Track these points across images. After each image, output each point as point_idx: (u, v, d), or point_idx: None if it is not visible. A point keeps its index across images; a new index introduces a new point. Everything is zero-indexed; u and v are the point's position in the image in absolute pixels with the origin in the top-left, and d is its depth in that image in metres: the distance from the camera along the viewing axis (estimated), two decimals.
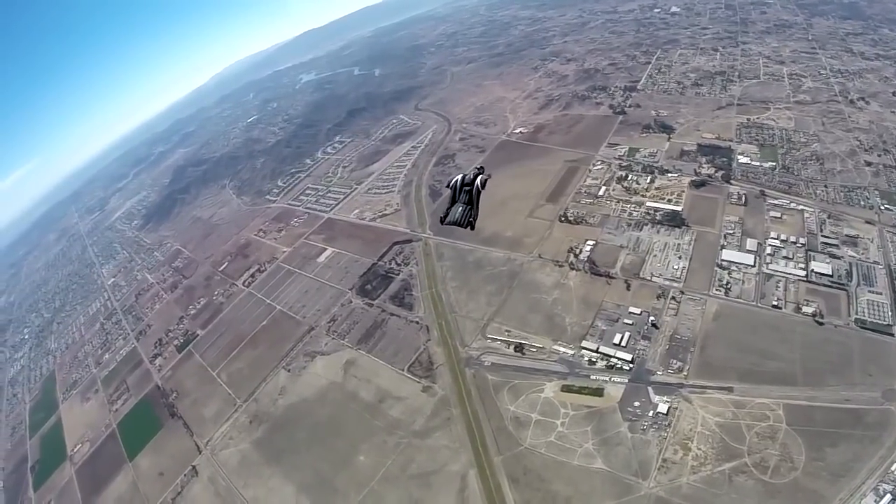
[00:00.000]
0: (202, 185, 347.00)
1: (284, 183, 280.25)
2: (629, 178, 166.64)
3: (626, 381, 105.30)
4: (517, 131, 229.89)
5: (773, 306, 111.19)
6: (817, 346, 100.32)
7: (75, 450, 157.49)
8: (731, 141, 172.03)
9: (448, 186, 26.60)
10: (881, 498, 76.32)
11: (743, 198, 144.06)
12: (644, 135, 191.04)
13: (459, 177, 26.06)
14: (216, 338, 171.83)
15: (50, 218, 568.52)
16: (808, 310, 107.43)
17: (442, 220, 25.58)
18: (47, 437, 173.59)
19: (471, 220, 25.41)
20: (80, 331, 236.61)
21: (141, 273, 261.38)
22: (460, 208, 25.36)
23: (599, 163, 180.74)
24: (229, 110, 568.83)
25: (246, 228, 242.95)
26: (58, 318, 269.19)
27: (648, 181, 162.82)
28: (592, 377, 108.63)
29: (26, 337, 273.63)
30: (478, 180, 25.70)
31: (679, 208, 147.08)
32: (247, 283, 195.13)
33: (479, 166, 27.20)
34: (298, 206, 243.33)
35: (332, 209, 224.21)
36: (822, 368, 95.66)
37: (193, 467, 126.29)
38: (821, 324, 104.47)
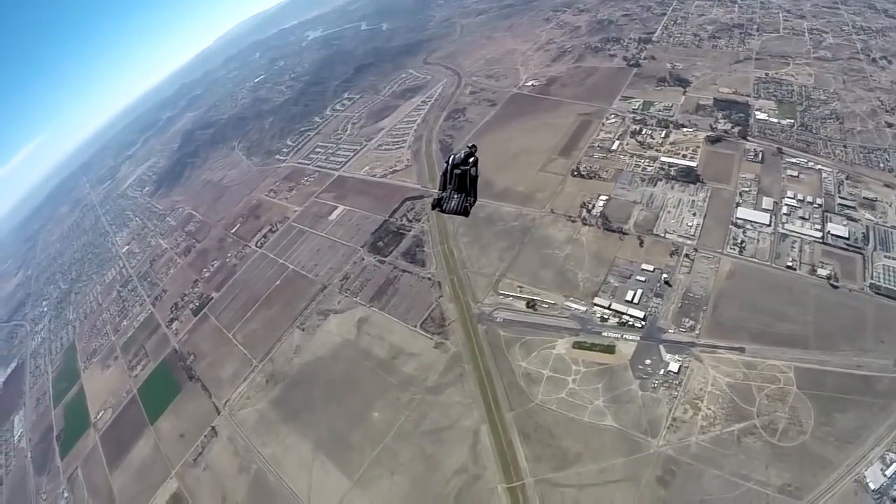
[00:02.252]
0: (211, 148, 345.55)
1: (294, 142, 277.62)
2: (643, 133, 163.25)
3: (638, 338, 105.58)
4: (529, 84, 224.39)
5: (788, 267, 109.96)
6: (831, 309, 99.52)
7: (98, 416, 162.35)
8: (748, 96, 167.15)
9: (442, 172, 25.62)
10: (888, 466, 76.93)
11: (760, 155, 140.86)
12: (659, 88, 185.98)
13: (451, 159, 25.02)
14: (230, 300, 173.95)
15: (62, 190, 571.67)
16: (822, 272, 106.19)
17: (433, 206, 25.02)
18: (71, 406, 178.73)
19: (466, 205, 24.77)
20: (97, 300, 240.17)
21: (154, 239, 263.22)
22: (455, 196, 24.69)
23: (613, 116, 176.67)
24: (236, 71, 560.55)
25: (256, 189, 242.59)
26: (75, 288, 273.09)
27: (663, 136, 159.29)
28: (604, 334, 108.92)
29: (45, 309, 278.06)
30: (471, 162, 24.69)
31: (694, 164, 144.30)
32: (259, 243, 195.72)
33: (470, 144, 26.03)
34: (308, 164, 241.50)
35: (342, 167, 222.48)
36: (834, 333, 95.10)
37: (213, 428, 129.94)
38: (835, 287, 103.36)
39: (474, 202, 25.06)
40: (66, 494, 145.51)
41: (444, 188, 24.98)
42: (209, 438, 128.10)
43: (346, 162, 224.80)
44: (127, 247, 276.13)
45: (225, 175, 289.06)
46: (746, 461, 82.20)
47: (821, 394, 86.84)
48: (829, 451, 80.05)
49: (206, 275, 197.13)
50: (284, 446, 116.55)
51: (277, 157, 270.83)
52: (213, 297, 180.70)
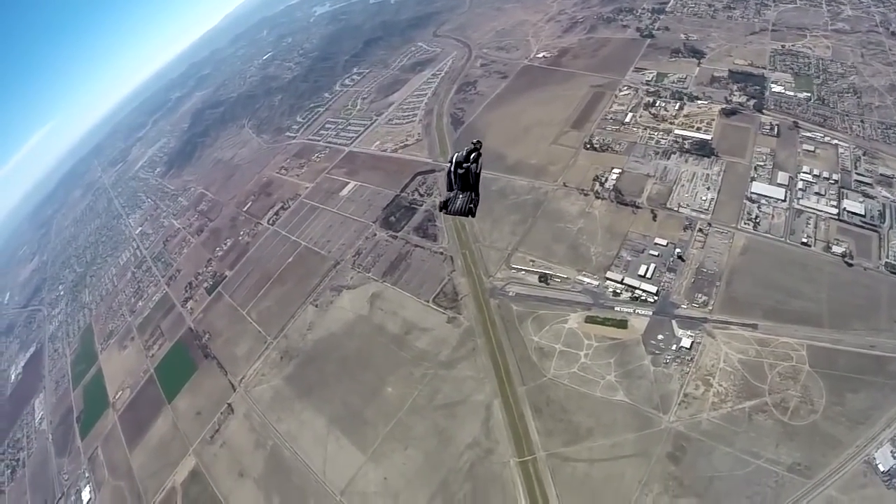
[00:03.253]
0: (221, 127, 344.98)
1: (303, 118, 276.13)
2: (657, 105, 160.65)
3: (651, 313, 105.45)
4: (540, 56, 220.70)
5: (803, 243, 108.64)
6: (845, 287, 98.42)
7: (117, 397, 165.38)
8: (764, 68, 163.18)
9: (446, 172, 25.01)
10: None
11: (775, 129, 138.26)
12: (673, 59, 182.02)
13: (454, 158, 24.22)
14: (244, 277, 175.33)
15: (74, 174, 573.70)
16: (837, 249, 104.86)
17: (440, 208, 24.43)
18: (89, 388, 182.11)
19: (471, 206, 24.15)
20: (112, 282, 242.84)
21: (167, 219, 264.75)
22: (460, 196, 23.98)
23: (626, 88, 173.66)
24: (243, 49, 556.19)
25: (267, 167, 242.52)
26: (90, 271, 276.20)
27: (677, 108, 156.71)
28: (616, 309, 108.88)
29: (61, 293, 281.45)
30: (472, 160, 24.00)
31: (708, 137, 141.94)
32: (271, 221, 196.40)
33: (475, 141, 25.40)
34: (319, 140, 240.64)
35: (352, 142, 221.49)
36: (848, 311, 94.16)
37: (229, 405, 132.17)
38: (850, 265, 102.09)
39: (477, 201, 24.59)
40: (87, 474, 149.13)
41: (450, 188, 24.48)
42: (225, 415, 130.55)
43: (357, 137, 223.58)
44: (140, 228, 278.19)
45: (235, 153, 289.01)
46: (757, 439, 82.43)
47: (833, 373, 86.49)
48: (840, 431, 79.96)
49: (220, 253, 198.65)
50: (299, 422, 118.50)
51: (287, 134, 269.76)
52: (226, 276, 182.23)
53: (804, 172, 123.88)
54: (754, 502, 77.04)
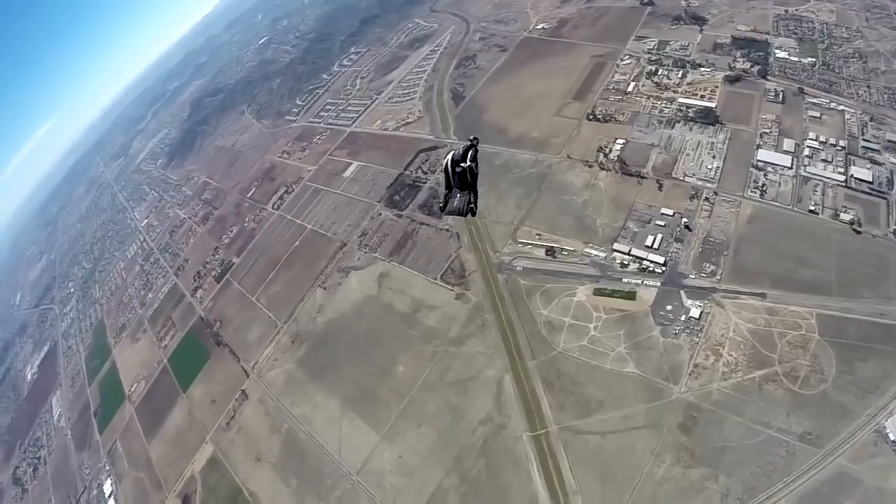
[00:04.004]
0: (221, 114, 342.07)
1: (303, 101, 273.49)
2: (659, 73, 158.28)
3: (659, 284, 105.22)
4: (539, 27, 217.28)
5: (810, 211, 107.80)
6: (853, 255, 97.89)
7: (132, 389, 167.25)
8: (767, 34, 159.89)
9: (443, 170, 24.64)
10: None
11: (780, 95, 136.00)
12: (674, 27, 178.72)
13: (450, 156, 24.04)
14: (252, 264, 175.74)
15: (76, 171, 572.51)
16: (845, 217, 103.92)
17: (441, 209, 24.19)
18: (105, 382, 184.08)
19: (471, 206, 23.93)
20: (121, 275, 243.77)
21: (172, 210, 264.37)
22: (458, 196, 23.80)
23: (627, 57, 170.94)
24: (239, 35, 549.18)
25: (269, 151, 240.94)
26: (98, 266, 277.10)
27: (680, 76, 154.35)
28: (624, 280, 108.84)
29: (72, 290, 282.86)
30: (469, 158, 23.73)
31: (712, 105, 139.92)
32: (276, 205, 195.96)
33: (471, 137, 25.22)
34: (319, 122, 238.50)
35: (353, 122, 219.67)
36: (857, 279, 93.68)
37: (243, 391, 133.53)
38: (858, 232, 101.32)
39: (476, 199, 24.28)
40: (107, 467, 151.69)
41: (448, 187, 24.28)
42: (240, 402, 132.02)
43: (358, 117, 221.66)
44: (146, 220, 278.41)
45: (237, 140, 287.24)
46: (767, 408, 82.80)
47: (842, 342, 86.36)
48: (850, 400, 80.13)
49: (226, 241, 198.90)
50: (313, 404, 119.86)
51: (288, 117, 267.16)
52: (234, 263, 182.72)
53: (810, 139, 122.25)
54: (766, 472, 77.54)
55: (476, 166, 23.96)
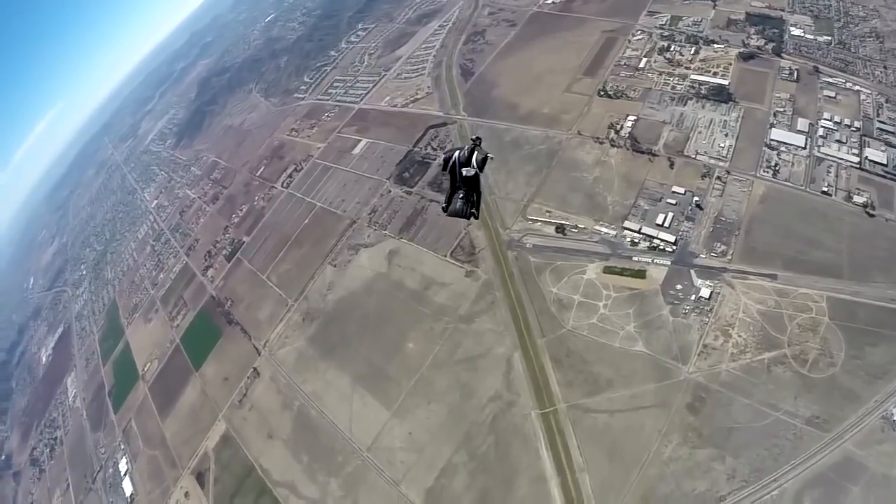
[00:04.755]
0: (228, 94, 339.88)
1: (311, 79, 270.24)
2: (672, 49, 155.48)
3: (669, 263, 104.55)
4: (549, 2, 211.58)
5: (823, 192, 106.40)
6: (866, 239, 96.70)
7: (145, 369, 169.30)
8: (782, 11, 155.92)
9: (445, 169, 24.81)
10: None
11: (795, 73, 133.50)
12: (687, 2, 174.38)
13: (456, 155, 24.28)
14: (262, 242, 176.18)
15: (85, 155, 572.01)
16: (858, 199, 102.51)
17: (444, 210, 24.61)
18: (119, 362, 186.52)
19: (473, 210, 24.24)
20: (132, 256, 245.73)
21: (181, 190, 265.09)
22: (461, 197, 24.01)
23: (639, 32, 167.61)
24: (245, 13, 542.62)
25: (278, 130, 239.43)
26: (110, 248, 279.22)
27: (693, 52, 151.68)
28: (635, 258, 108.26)
29: (84, 272, 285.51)
30: (474, 161, 23.85)
31: (726, 82, 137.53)
32: (285, 184, 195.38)
33: (474, 137, 25.29)
34: (327, 100, 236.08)
35: (362, 99, 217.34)
36: (869, 263, 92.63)
37: (255, 369, 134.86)
38: (871, 216, 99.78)
39: (479, 202, 24.61)
40: (122, 446, 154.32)
41: (453, 188, 24.45)
42: (252, 379, 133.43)
43: (366, 94, 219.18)
44: (156, 201, 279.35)
45: (245, 119, 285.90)
46: (776, 391, 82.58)
47: (852, 326, 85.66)
48: (859, 384, 79.74)
49: (236, 220, 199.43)
50: (324, 382, 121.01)
51: (296, 95, 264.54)
52: (244, 242, 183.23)
53: (825, 119, 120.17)
54: (772, 454, 77.56)
55: (481, 168, 24.14)
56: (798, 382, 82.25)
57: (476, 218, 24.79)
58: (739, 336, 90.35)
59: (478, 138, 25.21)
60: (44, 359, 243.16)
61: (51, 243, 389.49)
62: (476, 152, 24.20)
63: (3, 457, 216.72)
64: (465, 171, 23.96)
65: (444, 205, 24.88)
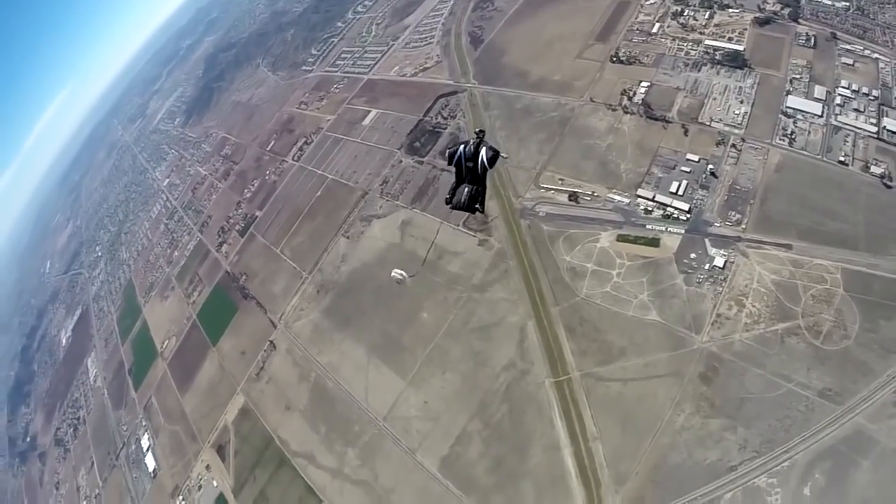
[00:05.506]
0: (236, 69, 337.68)
1: (318, 51, 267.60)
2: (685, 14, 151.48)
3: (683, 231, 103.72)
4: None
5: (840, 162, 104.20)
6: (883, 210, 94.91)
7: (164, 346, 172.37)
8: None
9: (450, 163, 24.87)
10: None
11: (812, 39, 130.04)
12: None
13: (461, 149, 24.20)
14: (274, 216, 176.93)
15: (96, 137, 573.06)
16: (876, 170, 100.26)
17: (447, 202, 24.55)
18: (137, 340, 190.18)
19: (477, 205, 24.21)
20: (146, 236, 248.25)
21: (193, 168, 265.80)
22: (466, 190, 23.85)
23: None
24: None
25: (287, 103, 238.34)
26: (124, 229, 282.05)
27: (707, 17, 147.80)
28: (648, 227, 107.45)
29: (99, 254, 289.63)
30: (482, 156, 23.75)
31: (741, 48, 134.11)
32: (296, 157, 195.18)
33: (478, 131, 25.34)
34: (336, 71, 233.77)
35: (370, 69, 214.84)
36: (885, 235, 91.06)
37: (271, 342, 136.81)
38: (889, 187, 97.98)
39: (484, 195, 24.63)
40: (144, 423, 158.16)
41: (458, 181, 24.47)
42: (269, 353, 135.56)
43: (375, 64, 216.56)
44: (167, 180, 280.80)
45: (253, 94, 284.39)
46: (788, 362, 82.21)
47: (867, 298, 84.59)
48: (872, 358, 79.03)
49: (248, 195, 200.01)
50: (340, 353, 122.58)
51: (304, 68, 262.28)
52: (257, 216, 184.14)
53: (842, 87, 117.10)
54: (784, 426, 77.52)
55: (491, 165, 24.15)
56: (811, 354, 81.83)
57: (481, 212, 24.95)
58: (753, 306, 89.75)
59: (481, 131, 25.42)
60: (64, 341, 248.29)
61: (65, 227, 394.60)
62: (482, 147, 24.11)
63: (28, 438, 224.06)
64: (470, 164, 23.99)
65: (447, 196, 24.79)
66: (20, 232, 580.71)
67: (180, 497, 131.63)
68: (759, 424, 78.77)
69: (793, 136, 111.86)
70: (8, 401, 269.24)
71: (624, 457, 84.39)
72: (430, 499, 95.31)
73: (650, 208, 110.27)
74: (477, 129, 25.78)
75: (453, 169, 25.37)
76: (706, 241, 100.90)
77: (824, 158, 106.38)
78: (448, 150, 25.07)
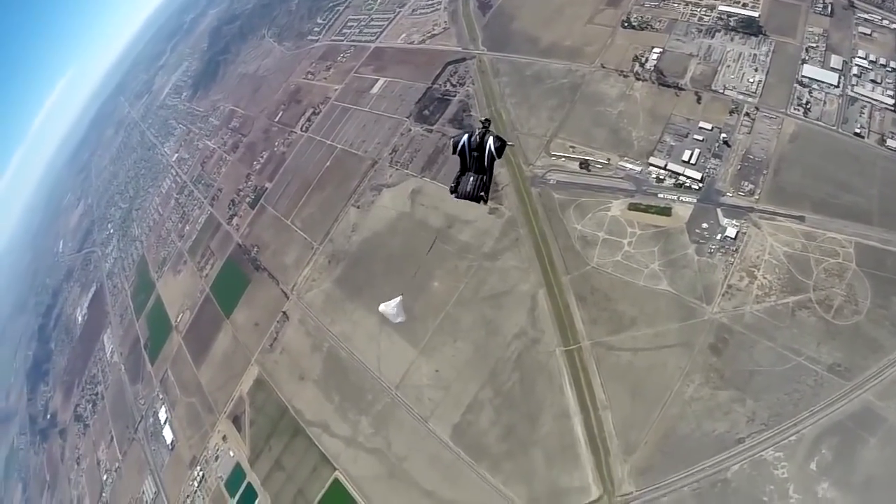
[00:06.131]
0: (241, 41, 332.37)
1: (324, 20, 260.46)
2: None
3: (695, 201, 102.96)
4: None
5: (856, 134, 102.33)
6: None
7: (178, 319, 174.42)
8: None
9: (455, 152, 24.51)
10: None
11: (829, 7, 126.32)
12: None
13: (465, 138, 23.94)
14: (284, 187, 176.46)
15: (103, 115, 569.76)
16: (892, 143, 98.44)
17: (452, 191, 24.19)
18: (152, 315, 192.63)
19: (482, 193, 23.79)
20: (157, 211, 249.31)
21: (201, 141, 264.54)
22: (471, 179, 23.61)
23: None
24: None
25: (293, 74, 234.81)
26: (135, 205, 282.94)
27: None
28: (660, 196, 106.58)
29: (111, 231, 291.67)
30: (489, 146, 23.45)
31: (756, 14, 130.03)
32: (304, 128, 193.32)
33: (483, 120, 24.94)
34: (342, 40, 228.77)
35: (377, 37, 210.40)
36: None
37: (284, 313, 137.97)
38: None
39: (489, 185, 24.31)
40: (160, 396, 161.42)
41: (462, 170, 24.19)
42: (282, 323, 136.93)
43: (381, 32, 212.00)
44: (176, 155, 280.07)
45: (259, 65, 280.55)
46: (799, 335, 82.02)
47: (880, 274, 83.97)
48: (883, 335, 78.65)
49: (257, 167, 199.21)
50: (352, 322, 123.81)
51: (309, 37, 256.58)
52: (267, 188, 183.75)
53: (859, 57, 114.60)
54: (793, 399, 77.68)
55: (499, 155, 23.83)
56: (822, 328, 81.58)
57: (486, 202, 24.60)
58: (765, 278, 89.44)
59: (487, 120, 25.18)
60: (79, 318, 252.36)
61: (76, 206, 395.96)
62: (489, 136, 23.88)
63: (48, 416, 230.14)
64: (476, 152, 23.79)
65: (452, 185, 24.45)
66: (32, 213, 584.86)
67: (198, 468, 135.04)
68: (767, 397, 79.01)
69: (808, 107, 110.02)
70: (27, 379, 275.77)
71: (633, 426, 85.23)
72: (441, 466, 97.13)
73: (662, 177, 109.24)
74: (483, 119, 25.61)
75: (456, 172, 24.96)
76: (718, 210, 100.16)
77: (840, 130, 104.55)
78: (452, 140, 24.85)
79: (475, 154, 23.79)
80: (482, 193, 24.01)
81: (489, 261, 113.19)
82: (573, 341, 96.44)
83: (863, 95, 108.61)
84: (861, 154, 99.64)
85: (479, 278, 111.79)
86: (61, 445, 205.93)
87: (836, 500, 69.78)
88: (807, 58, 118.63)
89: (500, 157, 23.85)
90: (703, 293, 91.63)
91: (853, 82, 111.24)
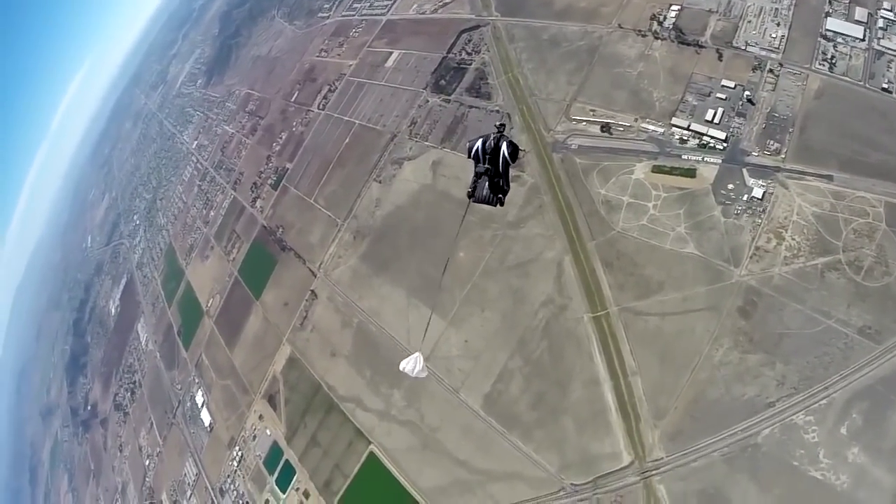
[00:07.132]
0: (251, 24, 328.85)
1: None
2: None
3: (720, 161, 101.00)
4: None
5: (883, 89, 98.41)
6: None
7: (209, 304, 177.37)
8: None
9: (469, 156, 24.40)
10: None
11: None
12: None
13: (479, 143, 23.82)
14: (305, 167, 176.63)
15: (120, 108, 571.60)
16: None
17: (469, 196, 24.23)
18: (183, 302, 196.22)
19: (500, 196, 23.91)
20: (181, 199, 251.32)
21: (219, 127, 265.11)
22: (487, 183, 23.61)
23: None
24: None
25: (306, 52, 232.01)
26: (158, 195, 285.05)
27: None
28: (684, 157, 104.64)
29: (137, 223, 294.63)
30: (503, 151, 23.32)
31: None
32: (321, 106, 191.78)
33: (498, 125, 24.63)
34: (353, 15, 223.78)
35: (388, 10, 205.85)
36: None
37: (312, 291, 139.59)
38: None
39: (507, 189, 24.37)
40: (196, 380, 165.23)
41: (478, 174, 24.04)
42: (311, 302, 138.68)
43: (393, 4, 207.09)
44: (195, 142, 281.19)
45: (272, 46, 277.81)
46: (828, 298, 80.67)
47: None
48: None
49: (277, 148, 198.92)
50: (380, 297, 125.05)
51: (320, 14, 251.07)
52: (288, 169, 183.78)
53: (885, 9, 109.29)
54: (822, 363, 76.90)
55: (513, 160, 23.78)
56: (851, 290, 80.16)
57: (502, 205, 24.62)
58: (793, 239, 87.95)
59: (502, 125, 24.91)
60: (113, 310, 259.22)
61: (101, 200, 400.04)
62: (503, 141, 23.76)
63: (89, 407, 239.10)
64: (505, 153, 23.63)
65: (469, 189, 24.43)
66: (59, 211, 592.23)
67: (237, 448, 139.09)
68: (797, 361, 78.33)
69: (833, 61, 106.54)
70: (66, 373, 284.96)
71: (662, 392, 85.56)
72: (474, 436, 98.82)
73: (685, 137, 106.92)
74: (497, 123, 25.31)
75: (478, 145, 24.42)
76: (744, 171, 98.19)
77: (866, 85, 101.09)
78: (467, 144, 24.83)
79: (489, 158, 23.80)
80: (499, 196, 24.28)
81: (513, 229, 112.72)
82: (601, 307, 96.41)
83: (889, 49, 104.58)
84: (889, 110, 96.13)
85: (504, 247, 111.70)
86: (103, 434, 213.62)
87: (867, 464, 69.59)
88: (830, 10, 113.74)
89: (514, 161, 23.96)
90: (731, 255, 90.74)
91: (879, 35, 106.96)
